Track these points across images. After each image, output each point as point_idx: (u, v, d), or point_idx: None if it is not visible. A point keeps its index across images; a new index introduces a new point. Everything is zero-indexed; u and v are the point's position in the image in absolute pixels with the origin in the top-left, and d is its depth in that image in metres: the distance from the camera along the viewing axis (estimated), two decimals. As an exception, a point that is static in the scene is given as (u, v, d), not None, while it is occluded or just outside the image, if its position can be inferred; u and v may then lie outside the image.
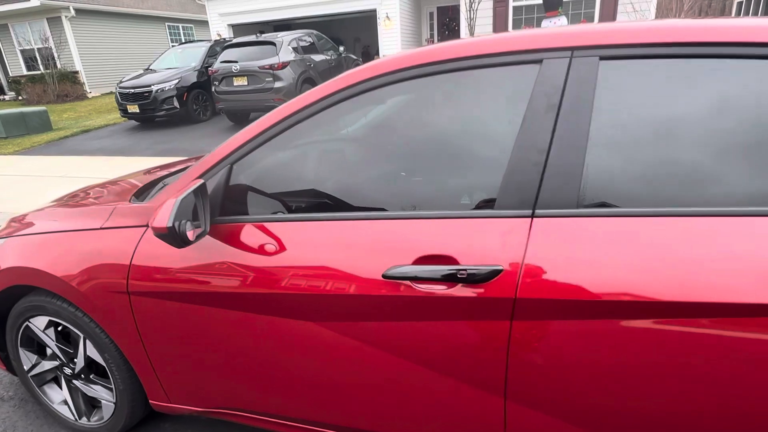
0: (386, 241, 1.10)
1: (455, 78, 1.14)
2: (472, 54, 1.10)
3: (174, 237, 1.11)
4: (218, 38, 11.76)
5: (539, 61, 1.04)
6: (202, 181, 1.23)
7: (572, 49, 1.03)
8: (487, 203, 1.05)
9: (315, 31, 9.18)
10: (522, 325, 0.98)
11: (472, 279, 0.99)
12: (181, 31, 18.30)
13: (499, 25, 9.89)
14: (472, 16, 9.03)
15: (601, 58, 1.01)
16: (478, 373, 1.05)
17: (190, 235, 1.14)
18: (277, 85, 7.49)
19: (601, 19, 9.23)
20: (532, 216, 0.99)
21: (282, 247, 1.22)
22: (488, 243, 1.00)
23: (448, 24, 13.72)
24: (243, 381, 1.34)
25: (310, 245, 1.17)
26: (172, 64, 9.55)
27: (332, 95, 1.22)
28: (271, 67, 7.52)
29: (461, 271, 0.99)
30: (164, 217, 1.10)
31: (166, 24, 17.65)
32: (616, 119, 1.00)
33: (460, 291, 1.01)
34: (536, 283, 0.95)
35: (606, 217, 0.95)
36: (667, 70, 0.99)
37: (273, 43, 7.76)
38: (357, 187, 1.29)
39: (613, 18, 8.99)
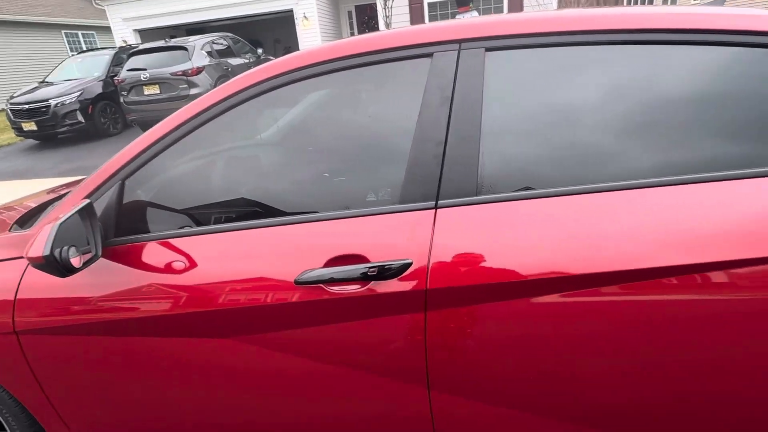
0: (297, 246, 1.07)
1: (354, 75, 1.13)
2: (368, 50, 1.10)
3: (54, 266, 1.00)
4: (124, 45, 10.95)
5: (430, 55, 1.06)
6: (87, 201, 1.12)
7: (460, 41, 1.05)
8: (394, 198, 1.06)
9: (230, 34, 8.84)
10: (436, 315, 0.99)
11: (384, 275, 0.99)
12: (81, 39, 16.85)
13: (415, 21, 10.12)
14: (388, 14, 9.15)
15: (487, 50, 1.04)
16: (401, 368, 1.05)
17: (76, 261, 1.04)
18: (194, 91, 7.12)
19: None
20: (436, 207, 1.01)
21: (192, 263, 1.15)
22: (396, 238, 1.01)
23: (367, 22, 13.81)
24: (160, 410, 1.25)
25: (221, 258, 1.12)
26: (73, 75, 8.76)
27: (228, 98, 1.16)
28: (185, 73, 7.14)
29: (371, 269, 0.99)
30: (40, 246, 0.99)
31: (63, 32, 16.16)
32: (504, 108, 1.04)
33: (373, 288, 1.00)
34: (445, 272, 0.97)
35: (504, 202, 0.99)
36: (548, 58, 1.05)
37: (184, 48, 7.37)
38: (266, 193, 1.24)
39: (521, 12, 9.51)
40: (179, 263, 1.15)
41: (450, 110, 1.02)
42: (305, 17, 11.29)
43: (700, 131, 0.98)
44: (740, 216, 0.90)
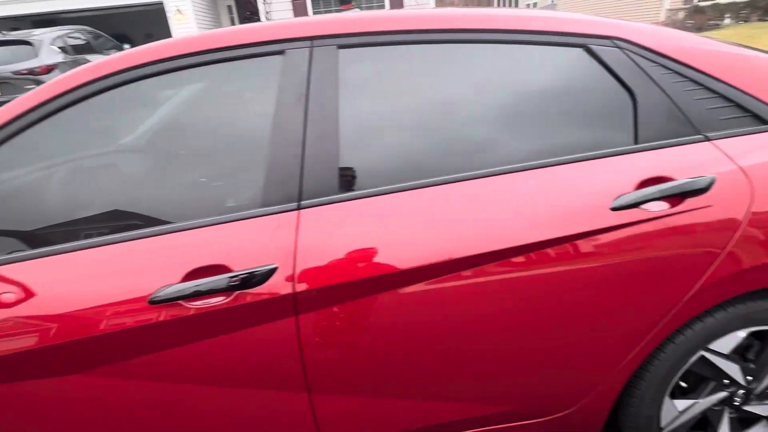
0: (149, 262, 0.97)
1: (205, 72, 1.06)
2: (214, 47, 1.04)
3: None
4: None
5: (282, 52, 1.03)
6: None
7: (312, 38, 1.04)
8: (255, 202, 1.02)
9: (89, 28, 7.86)
10: (308, 318, 0.98)
11: (249, 283, 0.94)
12: None
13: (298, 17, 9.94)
14: (269, 9, 8.87)
15: (339, 47, 1.05)
16: (279, 376, 1.02)
17: None
18: (45, 93, 6.19)
19: (391, 12, 10.02)
20: (299, 208, 0.98)
21: (27, 294, 0.99)
22: (260, 243, 0.97)
23: (250, 18, 13.25)
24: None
25: (66, 283, 0.98)
26: None
27: (56, 98, 1.02)
28: (32, 71, 6.18)
29: (235, 278, 0.94)
30: None
31: None
32: (362, 104, 1.06)
33: (238, 298, 0.95)
34: (312, 274, 0.96)
35: (366, 198, 1.00)
36: (401, 55, 1.09)
37: (28, 43, 6.37)
38: (117, 204, 1.11)
39: (401, 10, 9.85)
40: (9, 295, 0.98)
41: (306, 108, 1.01)
42: (179, 11, 10.47)
43: (536, 122, 1.09)
44: (577, 196, 1.02)
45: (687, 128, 1.07)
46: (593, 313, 1.04)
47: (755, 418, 1.27)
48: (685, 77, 1.09)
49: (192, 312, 0.95)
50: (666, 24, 12.76)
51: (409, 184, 1.01)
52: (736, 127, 1.08)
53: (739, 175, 1.03)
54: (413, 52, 1.09)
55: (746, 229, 1.02)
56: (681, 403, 1.20)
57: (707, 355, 1.14)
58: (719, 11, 13.62)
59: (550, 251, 0.99)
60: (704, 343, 1.12)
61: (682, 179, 1.02)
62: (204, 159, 1.07)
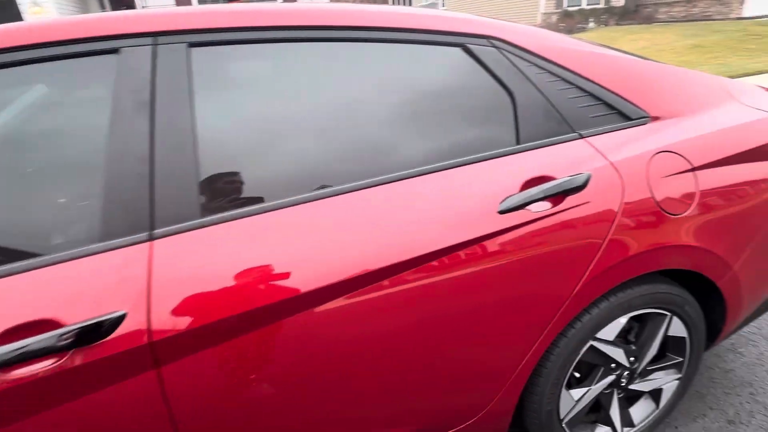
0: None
1: (9, 76, 0.84)
2: (22, 43, 0.82)
3: None
4: None
5: (115, 51, 0.85)
6: None
7: (155, 35, 0.87)
8: (91, 236, 0.82)
9: None
10: (172, 369, 0.81)
11: (88, 338, 0.76)
12: None
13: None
14: (144, 5, 8.07)
15: (192, 45, 0.89)
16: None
17: None
18: None
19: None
20: (151, 239, 0.82)
21: None
22: (101, 286, 0.78)
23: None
24: None
25: None
26: None
27: None
28: None
29: (66, 335, 0.74)
30: None
31: None
32: (225, 111, 0.91)
33: (76, 358, 0.76)
34: (172, 317, 0.80)
35: (236, 219, 0.86)
36: (266, 54, 0.96)
37: None
38: None
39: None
40: None
41: (152, 118, 0.84)
42: (35, 4, 9.11)
43: (419, 125, 1.04)
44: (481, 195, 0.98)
45: (563, 127, 1.09)
46: (489, 318, 1.02)
47: (639, 395, 1.36)
48: (558, 77, 1.11)
49: (10, 384, 0.74)
50: (541, 26, 14.04)
51: (282, 201, 0.89)
52: (605, 124, 1.13)
53: (610, 170, 1.07)
54: (282, 50, 0.97)
55: (621, 220, 1.06)
56: (576, 393, 1.24)
57: (596, 344, 1.19)
58: (585, 16, 15.31)
59: (441, 261, 0.94)
60: (592, 333, 1.16)
61: (561, 178, 1.03)
62: (18, 187, 0.85)
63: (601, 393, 1.28)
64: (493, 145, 1.05)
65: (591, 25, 15.06)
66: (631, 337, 1.28)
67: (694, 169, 1.14)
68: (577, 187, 1.03)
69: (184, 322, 0.80)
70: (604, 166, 1.07)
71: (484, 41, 1.08)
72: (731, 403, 1.53)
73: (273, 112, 0.95)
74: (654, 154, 1.12)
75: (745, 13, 14.14)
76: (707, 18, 14.57)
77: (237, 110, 0.92)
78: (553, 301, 1.06)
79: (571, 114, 1.10)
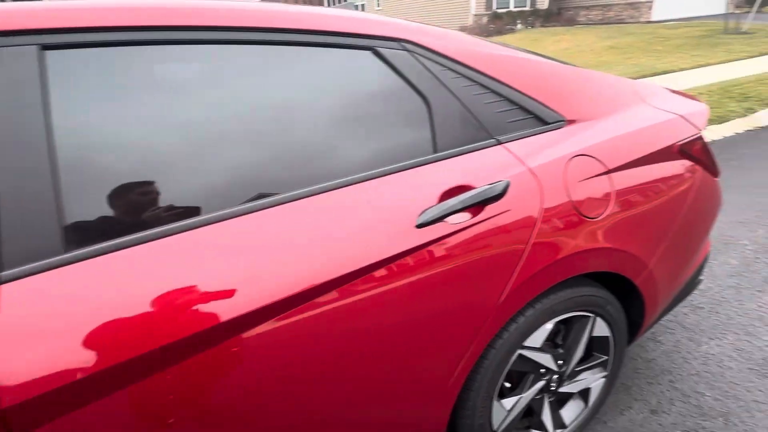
0: None
1: None
2: None
3: None
4: None
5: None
6: None
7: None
8: None
9: None
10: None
11: None
12: None
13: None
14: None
15: (45, 48, 0.75)
16: None
17: None
18: None
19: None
20: (-3, 283, 0.67)
21: None
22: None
23: None
24: None
25: None
26: None
27: None
28: None
29: None
30: None
31: None
32: (92, 127, 0.78)
33: None
34: (29, 380, 0.66)
35: (109, 253, 0.73)
36: (143, 57, 0.83)
37: None
38: None
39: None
40: None
41: (-8, 136, 0.69)
42: None
43: (332, 136, 0.96)
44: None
45: (481, 133, 1.06)
46: (414, 336, 0.96)
47: (568, 396, 1.37)
48: (474, 81, 1.07)
49: None
50: (473, 27, 14.48)
51: (165, 228, 0.77)
52: (522, 129, 1.11)
53: (529, 176, 1.05)
54: (168, 53, 0.85)
55: (542, 227, 1.04)
56: (508, 402, 1.21)
57: (524, 352, 1.17)
58: (513, 18, 15.99)
59: (358, 281, 0.86)
60: (521, 341, 1.14)
61: (480, 187, 0.99)
62: None
63: (533, 399, 1.27)
64: (408, 154, 0.99)
65: (519, 26, 15.75)
66: (558, 341, 1.28)
67: (608, 172, 1.15)
68: (495, 195, 0.99)
69: (44, 383, 0.67)
70: (523, 172, 1.05)
71: (395, 44, 1.02)
72: (653, 393, 1.59)
73: (154, 127, 0.82)
74: (570, 158, 1.11)
75: (654, 17, 15.44)
76: (621, 21, 15.74)
77: (108, 125, 0.79)
78: (478, 314, 1.02)
79: (489, 119, 1.07)
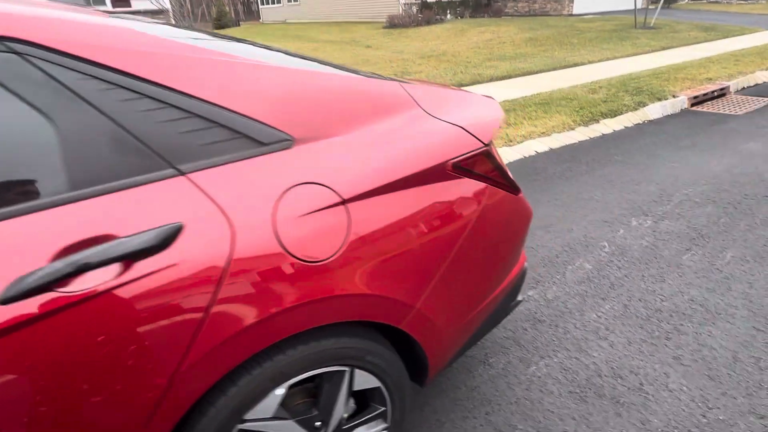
0: None
1: None
2: None
3: None
4: None
5: None
6: None
7: None
8: None
9: None
10: None
11: None
12: None
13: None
14: None
15: None
16: None
17: None
18: None
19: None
20: None
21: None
22: None
23: None
24: None
25: None
26: None
27: None
28: None
29: None
30: None
31: None
32: None
33: None
34: None
35: None
36: None
37: None
38: None
39: None
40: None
41: None
42: None
43: None
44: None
45: (150, 161, 0.81)
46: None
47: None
48: (141, 94, 0.82)
49: None
50: (402, 17, 14.26)
51: None
52: (224, 154, 0.88)
53: (216, 216, 0.82)
54: None
55: (232, 282, 0.82)
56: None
57: (247, 426, 0.95)
58: (442, 7, 15.95)
59: None
60: (238, 416, 0.92)
61: (125, 237, 0.75)
62: None
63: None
64: (27, 196, 0.73)
65: (449, 17, 15.75)
66: (307, 402, 1.08)
67: (345, 202, 0.95)
68: (152, 246, 0.76)
69: None
70: (208, 211, 0.82)
71: None
72: (465, 430, 1.45)
73: None
74: (289, 188, 0.90)
75: (575, 11, 16.00)
76: (545, 13, 16.18)
77: None
78: (141, 406, 0.78)
79: (165, 143, 0.82)
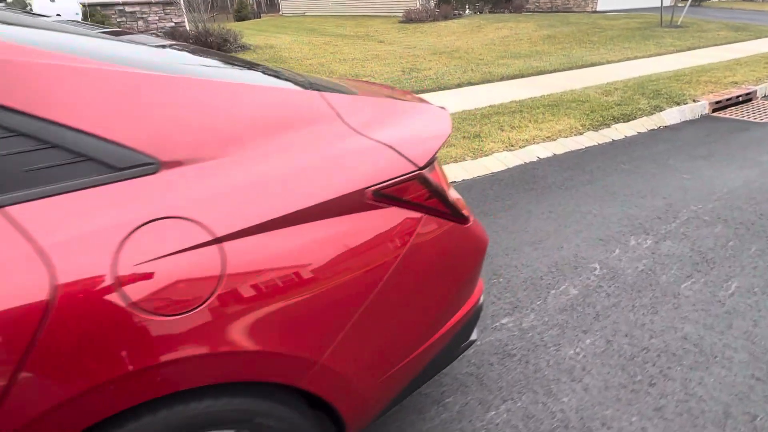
0: None
1: None
2: None
3: None
4: None
5: None
6: None
7: None
8: None
9: None
10: None
11: None
12: None
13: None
14: None
15: None
16: None
17: None
18: None
19: None
20: None
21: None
22: None
23: None
24: None
25: None
26: None
27: None
28: None
29: None
30: None
31: None
32: None
33: None
34: None
35: None
36: None
37: None
38: None
39: None
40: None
41: None
42: None
43: None
44: None
45: (-50, 192, 0.66)
46: None
47: None
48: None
49: None
50: (420, 11, 13.95)
51: None
52: (57, 182, 0.72)
53: (35, 262, 0.66)
54: None
55: (45, 347, 0.66)
56: None
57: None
58: (462, 2, 15.58)
59: None
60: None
61: None
62: None
63: None
64: None
65: (467, 12, 15.37)
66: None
67: (218, 241, 0.78)
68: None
69: None
70: (24, 253, 0.66)
71: None
72: (402, 486, 1.28)
73: None
74: (141, 225, 0.73)
75: (599, 8, 15.43)
76: (568, 10, 15.65)
77: None
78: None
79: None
